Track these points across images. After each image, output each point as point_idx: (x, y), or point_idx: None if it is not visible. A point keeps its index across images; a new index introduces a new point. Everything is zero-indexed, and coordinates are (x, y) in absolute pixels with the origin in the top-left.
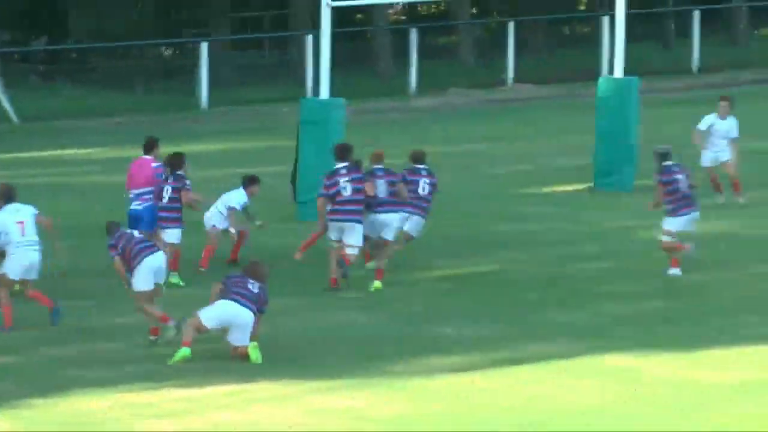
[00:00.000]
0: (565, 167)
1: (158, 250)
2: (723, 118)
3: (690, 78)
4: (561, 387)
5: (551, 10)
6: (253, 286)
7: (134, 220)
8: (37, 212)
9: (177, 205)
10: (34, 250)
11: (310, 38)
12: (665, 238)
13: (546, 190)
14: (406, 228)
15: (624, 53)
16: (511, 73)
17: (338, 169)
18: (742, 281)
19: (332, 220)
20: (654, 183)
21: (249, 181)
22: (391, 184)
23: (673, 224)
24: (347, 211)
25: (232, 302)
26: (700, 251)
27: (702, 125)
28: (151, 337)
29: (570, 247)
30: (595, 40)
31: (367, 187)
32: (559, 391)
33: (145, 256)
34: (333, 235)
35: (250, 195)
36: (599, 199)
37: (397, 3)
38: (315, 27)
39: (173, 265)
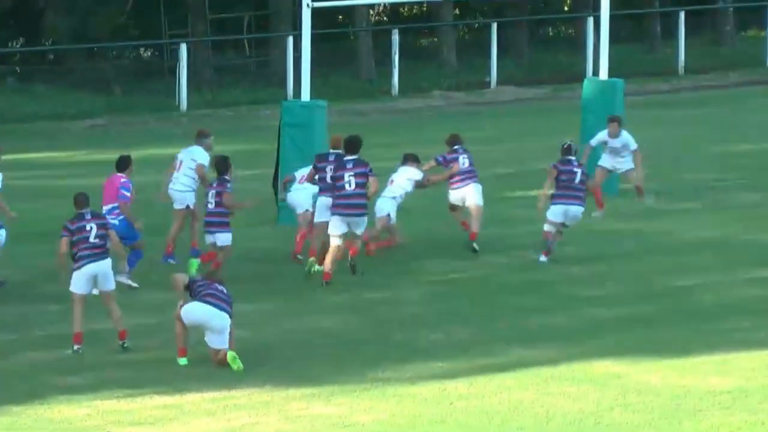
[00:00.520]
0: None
1: (106, 257)
2: (614, 137)
3: (676, 79)
4: (548, 394)
5: (535, 11)
6: (223, 288)
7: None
8: None
9: (222, 209)
10: None
11: (290, 40)
12: (545, 227)
13: (530, 193)
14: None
15: (609, 54)
16: (494, 74)
17: (345, 161)
18: (729, 286)
19: (337, 214)
20: (547, 169)
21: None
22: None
23: (552, 213)
24: (352, 206)
25: (206, 304)
26: (684, 256)
27: (593, 141)
28: (75, 346)
29: (553, 252)
30: (579, 42)
31: (372, 183)
32: (546, 398)
33: (89, 262)
34: (336, 230)
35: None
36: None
37: (379, 4)
38: (296, 28)
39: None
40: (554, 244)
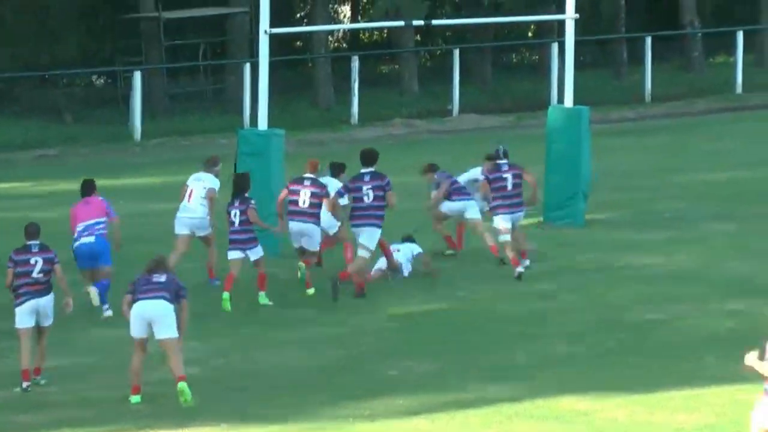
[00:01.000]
0: None
1: (48, 293)
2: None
3: (643, 107)
4: None
5: (498, 36)
6: (159, 277)
7: (88, 256)
8: None
9: (249, 226)
10: None
11: (247, 66)
12: (502, 238)
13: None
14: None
15: (574, 81)
16: (456, 102)
17: (362, 174)
18: (700, 319)
19: (353, 225)
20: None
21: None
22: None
23: (499, 222)
24: (367, 216)
25: (139, 302)
26: (654, 287)
27: (463, 178)
28: (24, 384)
29: (519, 285)
30: (543, 68)
31: (390, 198)
32: None
33: (30, 298)
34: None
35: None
36: (549, 233)
37: (338, 30)
38: (253, 55)
39: (261, 285)
40: (511, 251)
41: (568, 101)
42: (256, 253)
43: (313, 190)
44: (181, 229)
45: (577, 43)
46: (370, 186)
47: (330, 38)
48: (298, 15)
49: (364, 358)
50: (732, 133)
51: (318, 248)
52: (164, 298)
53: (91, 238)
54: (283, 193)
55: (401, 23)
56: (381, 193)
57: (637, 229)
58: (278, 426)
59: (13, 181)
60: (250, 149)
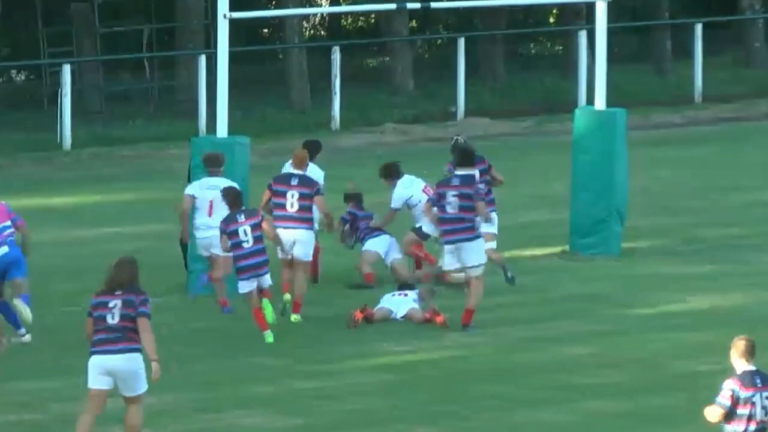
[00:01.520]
0: (531, 225)
1: None
2: None
3: (691, 109)
4: None
5: (513, 23)
6: (115, 300)
7: (2, 269)
8: None
9: (262, 244)
10: None
11: (203, 59)
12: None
13: (507, 254)
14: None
15: (607, 78)
16: (461, 103)
17: (451, 177)
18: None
19: (445, 242)
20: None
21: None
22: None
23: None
24: (457, 230)
25: (97, 356)
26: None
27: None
28: None
29: (539, 328)
30: (569, 62)
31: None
32: None
33: None
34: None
35: None
36: (576, 266)
37: (314, 14)
38: (209, 45)
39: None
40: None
41: (600, 102)
42: (268, 280)
43: (302, 190)
44: (205, 248)
45: (610, 31)
46: (456, 192)
47: (305, 24)
48: None
49: (350, 420)
50: None
51: (311, 258)
52: (126, 350)
53: (5, 248)
54: (266, 194)
55: (393, 5)
56: (471, 203)
57: (685, 260)
58: None
59: None
60: None
